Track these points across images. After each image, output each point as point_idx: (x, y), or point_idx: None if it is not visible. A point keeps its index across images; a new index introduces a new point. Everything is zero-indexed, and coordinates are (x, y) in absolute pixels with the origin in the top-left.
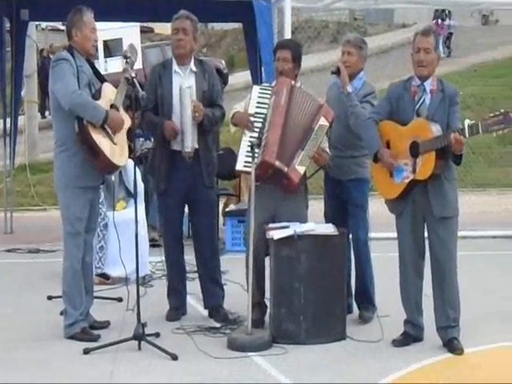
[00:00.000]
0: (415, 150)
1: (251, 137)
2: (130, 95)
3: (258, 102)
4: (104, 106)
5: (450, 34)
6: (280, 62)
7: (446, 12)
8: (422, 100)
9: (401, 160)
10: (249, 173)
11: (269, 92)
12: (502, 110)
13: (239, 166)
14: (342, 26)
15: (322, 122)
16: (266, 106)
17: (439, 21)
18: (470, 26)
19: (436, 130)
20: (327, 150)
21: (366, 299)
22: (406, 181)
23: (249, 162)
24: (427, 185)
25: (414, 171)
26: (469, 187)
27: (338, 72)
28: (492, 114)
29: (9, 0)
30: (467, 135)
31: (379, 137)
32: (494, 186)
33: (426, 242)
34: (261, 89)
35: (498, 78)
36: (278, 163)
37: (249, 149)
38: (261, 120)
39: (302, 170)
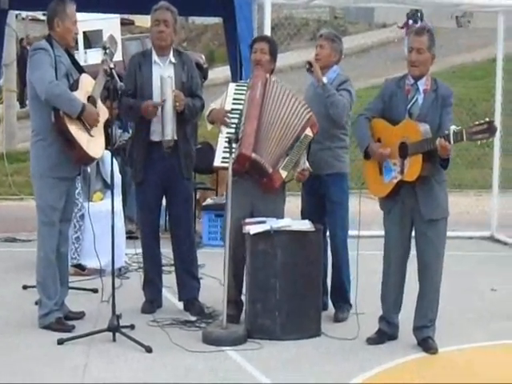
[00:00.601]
0: (404, 151)
1: (228, 132)
2: (108, 86)
3: (234, 99)
4: (82, 97)
5: None
6: (258, 54)
7: (419, 13)
8: (414, 99)
9: (391, 159)
10: (226, 168)
11: (245, 88)
12: (487, 119)
13: (217, 163)
14: (322, 24)
15: (308, 132)
16: (242, 101)
17: (410, 21)
18: (445, 28)
19: (425, 131)
20: (307, 165)
21: (341, 297)
22: (395, 181)
23: (226, 158)
24: (416, 187)
25: (401, 172)
26: (447, 188)
27: (311, 67)
28: (477, 123)
29: None
30: (452, 141)
31: (370, 134)
32: (471, 188)
33: (412, 242)
34: (237, 85)
35: (477, 80)
36: (254, 156)
37: (226, 144)
38: (237, 116)
39: (284, 174)
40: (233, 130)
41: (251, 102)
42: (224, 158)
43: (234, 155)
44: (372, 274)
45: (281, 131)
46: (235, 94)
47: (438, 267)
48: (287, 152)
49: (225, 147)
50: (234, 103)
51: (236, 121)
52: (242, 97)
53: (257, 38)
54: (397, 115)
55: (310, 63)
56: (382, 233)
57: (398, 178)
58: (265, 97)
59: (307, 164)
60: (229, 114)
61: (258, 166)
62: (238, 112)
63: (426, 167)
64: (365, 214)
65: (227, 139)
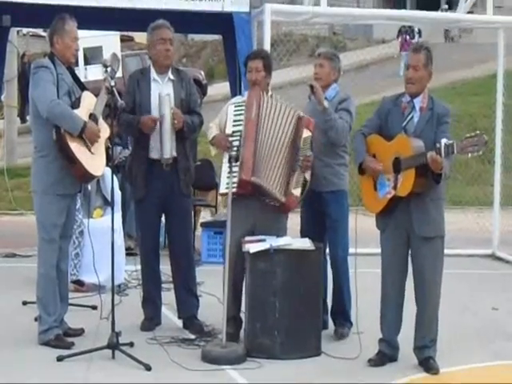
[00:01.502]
0: (397, 166)
1: (230, 153)
2: (109, 104)
3: (234, 121)
4: (83, 114)
5: None
6: (253, 73)
7: (416, 29)
8: (410, 117)
9: (385, 175)
10: (232, 195)
11: (243, 108)
12: (478, 132)
13: (222, 189)
14: (322, 40)
15: (305, 134)
16: (242, 122)
17: (407, 37)
18: (437, 43)
19: (417, 146)
20: (310, 153)
21: (342, 316)
22: (388, 196)
23: (232, 183)
24: (410, 203)
25: (395, 187)
26: (446, 205)
27: (313, 90)
28: (468, 136)
29: None
30: (443, 154)
31: (366, 149)
32: (472, 204)
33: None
34: (235, 106)
35: (477, 96)
36: (253, 179)
37: (232, 174)
38: (238, 138)
39: (298, 191)
40: (235, 148)
41: (247, 125)
42: (229, 183)
43: (234, 174)
44: (371, 293)
45: (280, 149)
46: (235, 115)
47: (435, 286)
48: (293, 168)
49: (228, 172)
50: (234, 125)
51: (237, 143)
52: (242, 117)
53: (250, 56)
54: (393, 132)
55: (312, 86)
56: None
57: (391, 193)
58: (260, 117)
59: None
60: (230, 138)
61: (262, 189)
62: (239, 134)
63: (418, 182)
64: (363, 232)
65: (228, 158)
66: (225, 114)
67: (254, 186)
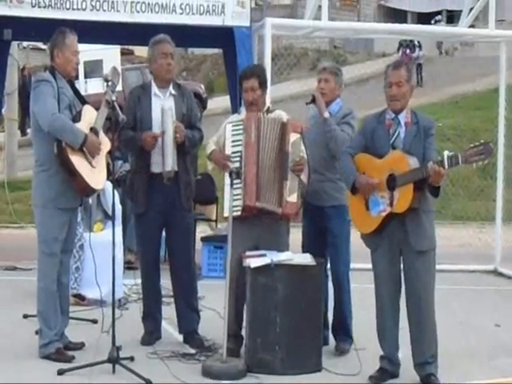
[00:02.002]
0: (392, 183)
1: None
2: (110, 118)
3: (233, 141)
4: (84, 128)
5: (419, 64)
6: (249, 93)
7: (416, 42)
8: (396, 133)
9: (377, 193)
10: (236, 218)
11: (240, 127)
12: (482, 141)
13: (226, 213)
14: (322, 54)
15: (293, 138)
16: (241, 142)
17: (407, 50)
18: (438, 57)
19: (413, 162)
20: (301, 154)
21: (343, 331)
22: (383, 214)
23: (235, 207)
24: (405, 218)
25: (391, 204)
26: (448, 220)
27: (313, 101)
28: (472, 145)
29: None
30: (446, 166)
31: (355, 168)
32: (473, 220)
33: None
34: (233, 126)
35: (479, 110)
36: (258, 204)
37: (234, 193)
38: (238, 159)
39: (294, 197)
40: (236, 164)
41: (247, 148)
42: (233, 206)
43: (238, 197)
44: (372, 308)
45: (274, 164)
46: (233, 135)
47: (428, 301)
48: (285, 176)
49: (231, 193)
50: (233, 145)
51: (237, 164)
52: (240, 137)
53: (244, 75)
54: (380, 151)
55: (313, 96)
56: None
57: (387, 210)
58: (259, 139)
59: (303, 153)
60: (230, 160)
61: (266, 211)
62: (239, 154)
63: (416, 197)
64: (363, 246)
65: (229, 173)
66: (223, 133)
67: (257, 209)
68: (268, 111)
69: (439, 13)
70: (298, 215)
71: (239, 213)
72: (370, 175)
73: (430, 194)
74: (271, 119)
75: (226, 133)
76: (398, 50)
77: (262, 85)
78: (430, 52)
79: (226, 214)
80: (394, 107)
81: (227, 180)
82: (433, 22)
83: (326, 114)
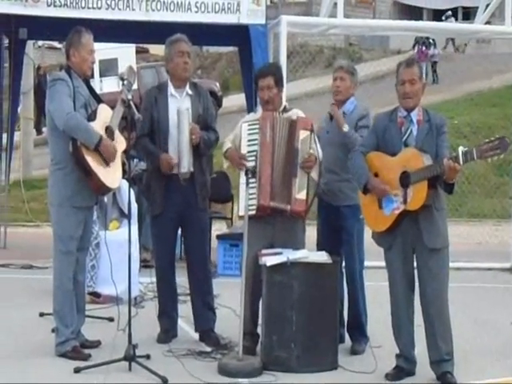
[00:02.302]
0: (406, 180)
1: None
2: (126, 117)
3: (249, 140)
4: (99, 127)
5: (434, 62)
6: (265, 91)
7: (431, 40)
8: (409, 131)
9: (390, 191)
10: (252, 217)
11: (257, 127)
12: (498, 136)
13: (242, 212)
14: (338, 51)
15: (302, 135)
16: (257, 141)
17: (423, 48)
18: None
19: (426, 159)
20: (311, 151)
21: (358, 330)
22: (397, 212)
23: (250, 205)
24: (418, 215)
25: (404, 202)
26: (464, 217)
27: (331, 118)
28: (487, 140)
29: (8, 18)
30: (461, 162)
31: (367, 168)
32: (490, 217)
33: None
34: (249, 125)
35: (495, 107)
36: (273, 204)
37: (249, 191)
38: (253, 158)
39: (303, 195)
40: (252, 163)
41: (262, 148)
42: (249, 205)
43: (253, 197)
44: (385, 306)
45: (288, 164)
46: (249, 134)
47: (442, 298)
48: (294, 173)
49: (246, 191)
50: (248, 145)
51: (253, 163)
52: (256, 136)
53: (260, 74)
54: (393, 149)
55: (330, 114)
56: None
57: (400, 208)
58: (274, 140)
59: (313, 150)
60: (245, 158)
61: (279, 210)
62: (254, 154)
63: (430, 194)
64: (375, 244)
65: (244, 172)
66: (239, 133)
67: (271, 209)
68: (285, 110)
69: (454, 9)
70: (307, 212)
71: (254, 212)
72: (382, 173)
73: (444, 191)
74: (284, 118)
75: (241, 132)
76: (414, 47)
77: (278, 83)
78: (443, 49)
79: (241, 213)
80: (407, 105)
81: (242, 179)
82: (444, 18)
83: (346, 128)
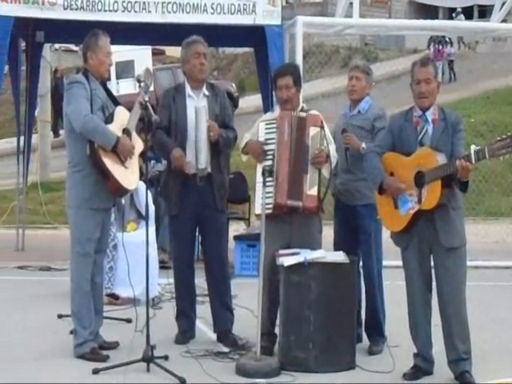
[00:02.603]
0: (421, 180)
1: (264, 166)
2: (143, 118)
3: (266, 139)
4: (116, 129)
5: (451, 61)
6: (283, 91)
7: (447, 39)
8: (424, 130)
9: (406, 191)
10: (269, 216)
11: (274, 126)
12: (509, 133)
13: (258, 210)
14: (353, 51)
15: (312, 131)
16: (274, 140)
17: (439, 47)
18: (467, 52)
19: (441, 158)
20: (322, 147)
21: (375, 330)
22: (412, 211)
23: (267, 204)
24: (434, 215)
25: (419, 201)
26: (481, 216)
27: (348, 149)
28: (499, 138)
29: (25, 22)
30: (473, 161)
31: (382, 168)
32: (507, 216)
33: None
34: (266, 124)
35: (511, 105)
36: (289, 202)
37: (265, 190)
38: (270, 157)
39: (314, 191)
40: (269, 162)
41: (280, 146)
42: (266, 204)
43: (269, 195)
44: (403, 305)
45: (299, 161)
46: (266, 133)
47: (460, 297)
48: (305, 169)
49: (263, 190)
50: (266, 143)
51: (270, 162)
52: (273, 135)
53: (279, 73)
54: (408, 149)
55: (347, 147)
56: None
57: (415, 208)
58: (292, 137)
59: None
60: (265, 143)
61: (294, 208)
62: (272, 153)
63: (444, 193)
64: (393, 243)
65: (262, 171)
66: (256, 131)
67: (288, 207)
68: (302, 111)
69: (470, 7)
70: (319, 208)
71: (271, 210)
72: (397, 173)
73: (458, 190)
74: (295, 116)
75: (258, 131)
76: (429, 46)
77: (297, 83)
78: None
79: (257, 212)
80: (422, 104)
81: (259, 178)
82: (454, 15)
83: (363, 147)
